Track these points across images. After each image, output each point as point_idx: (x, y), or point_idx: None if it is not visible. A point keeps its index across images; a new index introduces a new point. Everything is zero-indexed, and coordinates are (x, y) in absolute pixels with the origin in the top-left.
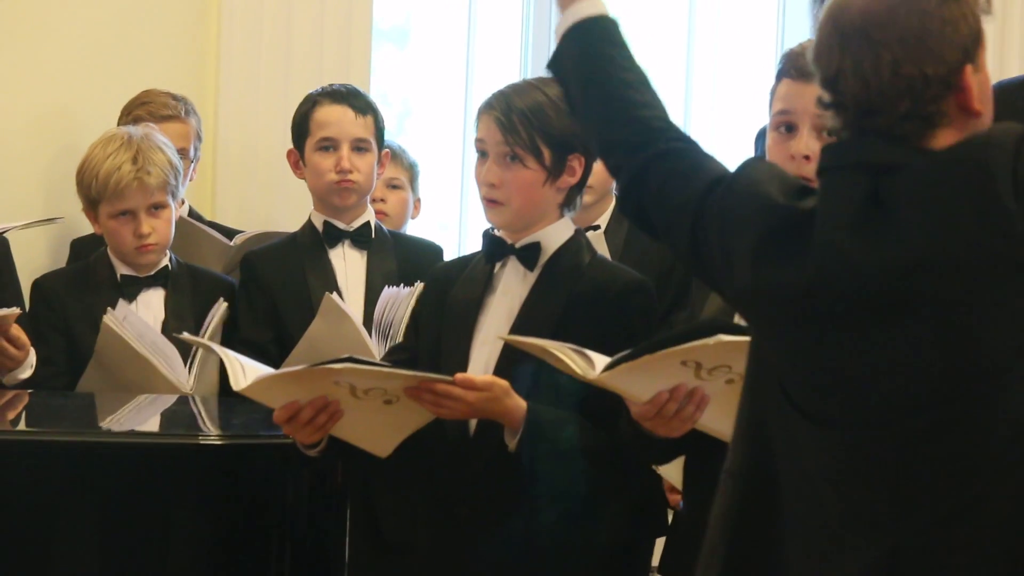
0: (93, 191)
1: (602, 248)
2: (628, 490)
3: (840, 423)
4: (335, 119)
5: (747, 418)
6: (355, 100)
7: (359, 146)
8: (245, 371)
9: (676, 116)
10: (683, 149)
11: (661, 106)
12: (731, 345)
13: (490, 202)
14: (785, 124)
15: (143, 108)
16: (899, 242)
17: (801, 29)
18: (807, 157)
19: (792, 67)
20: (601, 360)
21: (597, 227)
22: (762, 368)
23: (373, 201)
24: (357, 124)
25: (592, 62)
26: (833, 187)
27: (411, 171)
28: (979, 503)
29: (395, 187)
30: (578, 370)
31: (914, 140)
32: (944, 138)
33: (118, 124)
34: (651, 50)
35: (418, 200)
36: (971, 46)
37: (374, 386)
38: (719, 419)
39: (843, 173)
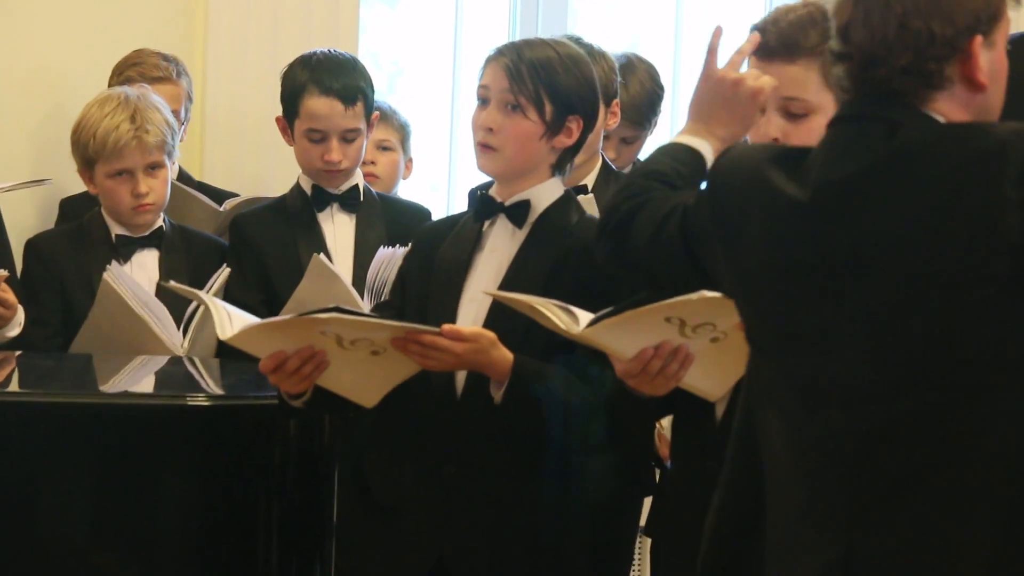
0: (90, 150)
1: (592, 211)
2: (616, 447)
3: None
4: (324, 113)
5: (740, 430)
6: (344, 90)
7: (346, 135)
8: (232, 320)
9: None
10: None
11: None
12: (714, 301)
13: (484, 147)
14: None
15: (134, 69)
16: (897, 210)
17: None
18: (776, 140)
19: (757, 46)
20: (585, 316)
21: (584, 187)
22: (756, 381)
23: (363, 164)
24: (347, 116)
25: None
26: (838, 139)
27: (402, 132)
28: (942, 506)
29: (386, 148)
30: (562, 325)
31: (911, 98)
32: (943, 104)
33: (109, 85)
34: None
35: (410, 160)
36: (985, 17)
37: (361, 336)
38: (704, 378)
39: (850, 124)
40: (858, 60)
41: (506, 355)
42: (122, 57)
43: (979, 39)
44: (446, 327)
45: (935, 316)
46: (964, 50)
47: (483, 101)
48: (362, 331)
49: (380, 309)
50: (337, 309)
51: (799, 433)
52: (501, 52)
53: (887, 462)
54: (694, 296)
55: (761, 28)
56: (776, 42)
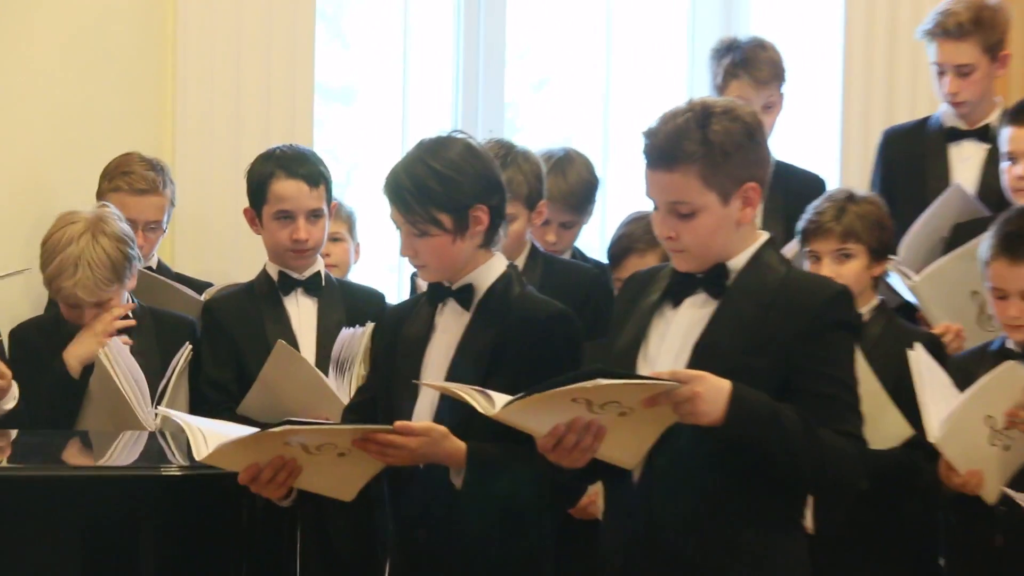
0: (47, 275)
1: None
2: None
3: None
4: (291, 194)
5: None
6: (308, 174)
7: (313, 215)
8: (207, 440)
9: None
10: None
11: None
12: (611, 387)
13: (418, 266)
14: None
15: (123, 179)
16: None
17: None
18: (669, 238)
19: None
20: (501, 399)
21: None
22: None
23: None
24: (312, 196)
25: None
26: None
27: (349, 221)
28: None
29: (336, 240)
30: (480, 409)
31: None
32: None
33: (99, 189)
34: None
35: (358, 245)
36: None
37: (324, 442)
38: (617, 448)
39: None
40: None
41: (459, 446)
42: (110, 161)
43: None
44: (397, 424)
45: None
46: None
47: (399, 229)
48: (322, 437)
49: (359, 392)
50: (288, 422)
51: None
52: (387, 187)
53: None
54: (589, 384)
55: (646, 135)
56: (656, 153)
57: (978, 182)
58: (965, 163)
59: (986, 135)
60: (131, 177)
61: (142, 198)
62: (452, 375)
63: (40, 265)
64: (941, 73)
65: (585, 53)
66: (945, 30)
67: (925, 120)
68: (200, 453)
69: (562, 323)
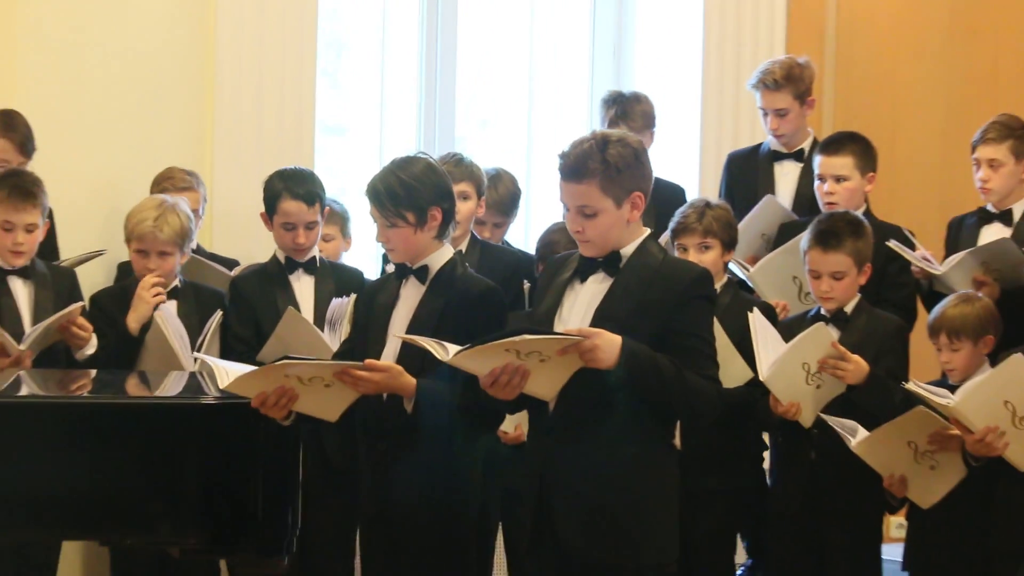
0: (126, 231)
1: None
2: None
3: None
4: (294, 211)
5: None
6: (307, 195)
7: (308, 225)
8: (228, 374)
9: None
10: None
11: None
12: (533, 341)
13: (388, 251)
14: None
15: (168, 182)
16: None
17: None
18: (578, 232)
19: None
20: (453, 348)
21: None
22: None
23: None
24: (309, 212)
25: None
26: None
27: (341, 221)
28: None
29: (330, 240)
30: (438, 356)
31: None
32: None
33: (151, 192)
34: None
35: (350, 239)
36: None
37: (314, 375)
38: (538, 386)
39: None
40: None
41: (411, 381)
42: (158, 172)
43: None
44: (367, 362)
45: None
46: None
47: (375, 222)
48: (312, 371)
49: (343, 344)
50: (286, 358)
51: None
52: (367, 190)
53: None
54: (517, 338)
55: (560, 156)
56: (567, 169)
57: (794, 191)
58: (785, 178)
59: (800, 157)
60: (173, 180)
61: (183, 193)
62: (411, 331)
63: (125, 226)
64: (765, 114)
65: (515, 100)
66: (765, 84)
67: (758, 146)
68: (223, 383)
69: (491, 295)
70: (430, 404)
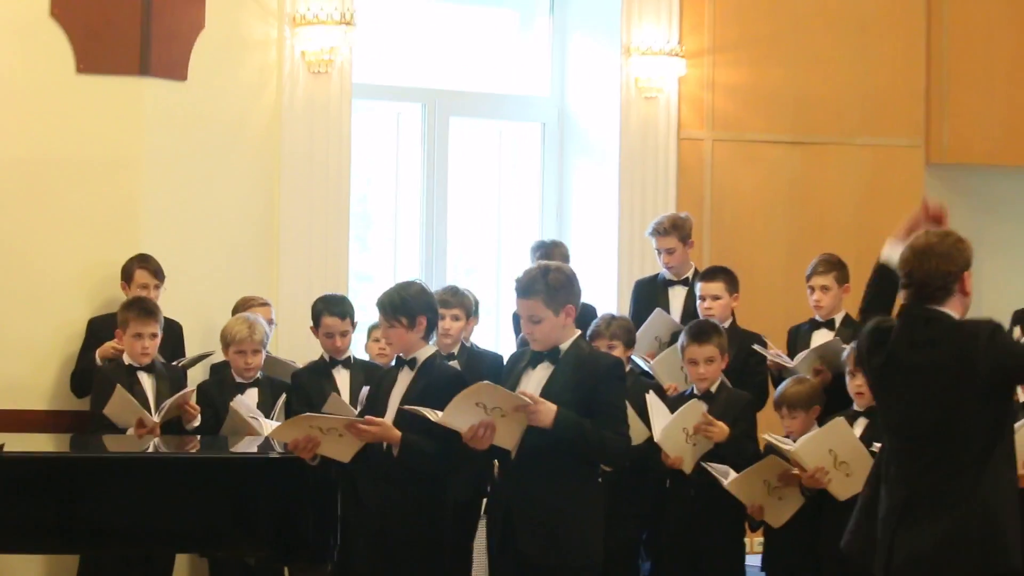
0: (227, 337)
1: None
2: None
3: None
4: (333, 325)
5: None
6: (342, 312)
7: (343, 334)
8: (269, 426)
9: None
10: None
11: None
12: (495, 391)
13: (389, 347)
14: None
15: (248, 305)
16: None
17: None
18: (529, 334)
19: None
20: (440, 413)
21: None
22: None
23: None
24: (344, 324)
25: None
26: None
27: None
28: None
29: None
30: (432, 418)
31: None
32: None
33: (233, 312)
34: None
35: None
36: (965, 263)
37: (330, 427)
38: (502, 439)
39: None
40: (916, 285)
41: (398, 433)
42: (240, 298)
43: (967, 272)
44: (367, 418)
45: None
46: (961, 278)
47: (380, 326)
48: (329, 423)
49: (362, 411)
50: (308, 415)
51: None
52: (377, 303)
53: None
54: (481, 384)
55: (517, 281)
56: (521, 289)
57: (682, 307)
58: (676, 298)
59: (687, 283)
60: (252, 304)
61: (259, 309)
62: (403, 403)
63: (222, 337)
64: (659, 252)
65: (491, 254)
66: (657, 231)
67: (655, 275)
68: (266, 431)
69: (458, 379)
70: (410, 451)
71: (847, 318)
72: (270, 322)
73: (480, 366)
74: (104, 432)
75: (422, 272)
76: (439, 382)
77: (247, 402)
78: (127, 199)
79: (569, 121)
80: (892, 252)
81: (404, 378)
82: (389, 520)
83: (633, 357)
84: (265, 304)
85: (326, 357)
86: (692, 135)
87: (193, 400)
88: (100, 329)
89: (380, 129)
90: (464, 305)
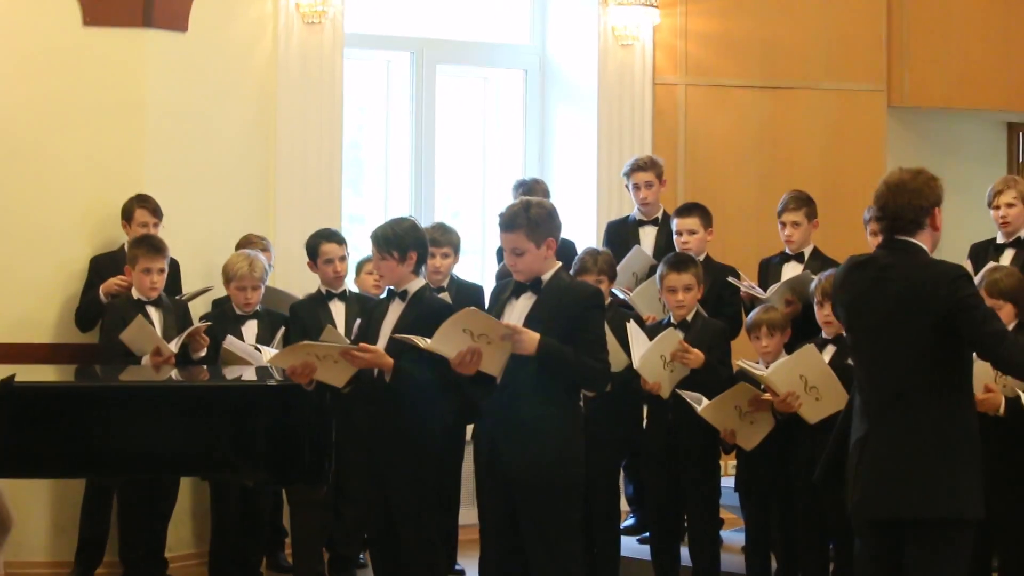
0: (228, 273)
1: None
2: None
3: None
4: (332, 251)
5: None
6: (340, 239)
7: (341, 258)
8: (268, 355)
9: None
10: None
11: None
12: (480, 318)
13: (381, 278)
14: None
15: (251, 244)
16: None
17: None
18: (513, 264)
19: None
20: (429, 340)
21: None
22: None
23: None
24: (341, 250)
25: None
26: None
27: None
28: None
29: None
30: (422, 345)
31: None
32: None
33: (235, 249)
34: None
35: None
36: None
37: (326, 354)
38: (488, 365)
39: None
40: (889, 219)
41: (390, 360)
42: (244, 236)
43: (938, 208)
44: (361, 344)
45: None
46: (932, 213)
47: (374, 257)
48: (325, 351)
49: (356, 339)
50: (305, 344)
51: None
52: (371, 236)
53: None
54: (468, 310)
55: (501, 215)
56: (504, 223)
57: (653, 246)
58: (647, 238)
59: (656, 223)
60: (254, 242)
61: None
62: (395, 332)
63: (224, 272)
64: (637, 188)
65: (477, 196)
66: (636, 166)
67: (627, 217)
68: (264, 360)
69: (446, 309)
70: (401, 376)
71: (815, 251)
72: (270, 261)
73: (468, 298)
74: (114, 361)
75: (412, 214)
76: (429, 313)
77: (237, 342)
78: (130, 144)
79: (550, 68)
80: None
81: (395, 309)
82: (379, 444)
83: (614, 289)
84: (266, 249)
85: (323, 290)
86: (666, 80)
87: (206, 339)
88: (102, 267)
89: (371, 77)
90: (452, 243)
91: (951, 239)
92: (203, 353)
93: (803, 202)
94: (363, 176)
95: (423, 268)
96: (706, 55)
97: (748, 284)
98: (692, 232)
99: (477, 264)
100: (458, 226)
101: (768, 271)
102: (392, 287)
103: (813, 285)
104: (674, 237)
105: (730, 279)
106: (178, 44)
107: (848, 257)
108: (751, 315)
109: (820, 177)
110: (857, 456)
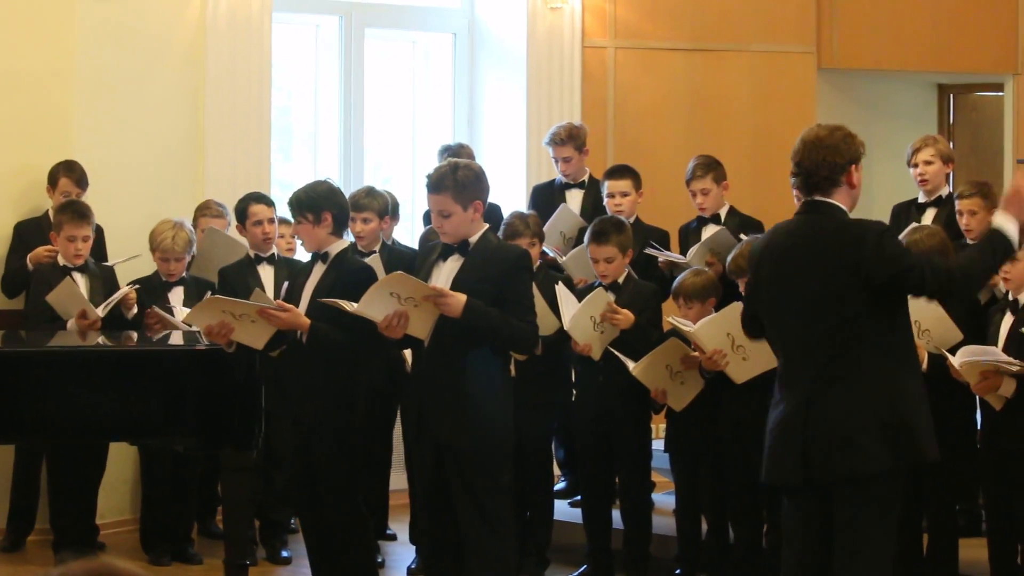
0: (152, 244)
1: None
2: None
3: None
4: (260, 212)
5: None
6: (268, 200)
7: (270, 220)
8: (185, 312)
9: None
10: None
11: None
12: (406, 280)
13: (301, 242)
14: None
15: (207, 209)
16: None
17: None
18: (439, 227)
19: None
20: (355, 304)
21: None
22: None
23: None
24: (270, 211)
25: None
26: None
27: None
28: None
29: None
30: (348, 308)
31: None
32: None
33: (195, 215)
34: None
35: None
36: (855, 156)
37: (243, 312)
38: (415, 328)
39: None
40: (804, 175)
41: (306, 320)
42: (202, 202)
43: (855, 165)
44: (277, 302)
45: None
46: (848, 170)
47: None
48: (241, 309)
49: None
50: (217, 298)
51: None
52: (288, 201)
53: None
54: (394, 274)
55: (428, 176)
56: (431, 185)
57: (579, 208)
58: (573, 201)
59: (583, 186)
60: (209, 209)
61: (215, 221)
62: (316, 295)
63: (149, 240)
64: (556, 160)
65: (407, 161)
66: (553, 140)
67: (552, 180)
68: (182, 317)
69: (366, 271)
70: (317, 337)
71: (732, 210)
72: (226, 227)
73: (400, 263)
74: (40, 327)
75: (341, 180)
76: (348, 275)
77: (160, 311)
78: (57, 108)
79: (479, 31)
80: (1004, 222)
81: (317, 271)
82: (306, 407)
83: (545, 247)
84: (221, 216)
85: (251, 254)
86: (595, 43)
87: (133, 296)
88: (26, 232)
89: (299, 42)
90: (376, 208)
91: (881, 203)
92: (134, 311)
93: (709, 167)
94: (292, 141)
95: (346, 231)
96: (635, 18)
97: (666, 253)
98: (624, 194)
99: (408, 228)
100: (389, 190)
101: (688, 236)
102: (316, 251)
103: (729, 258)
104: (605, 200)
105: (648, 250)
106: (106, 7)
107: (769, 229)
108: (676, 282)
109: (750, 139)
110: (801, 424)
